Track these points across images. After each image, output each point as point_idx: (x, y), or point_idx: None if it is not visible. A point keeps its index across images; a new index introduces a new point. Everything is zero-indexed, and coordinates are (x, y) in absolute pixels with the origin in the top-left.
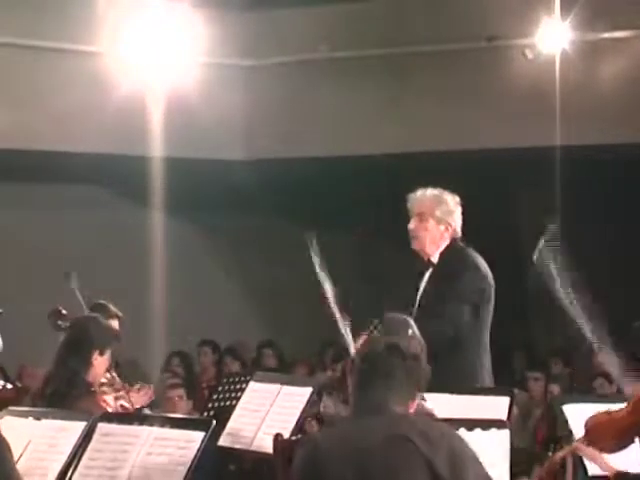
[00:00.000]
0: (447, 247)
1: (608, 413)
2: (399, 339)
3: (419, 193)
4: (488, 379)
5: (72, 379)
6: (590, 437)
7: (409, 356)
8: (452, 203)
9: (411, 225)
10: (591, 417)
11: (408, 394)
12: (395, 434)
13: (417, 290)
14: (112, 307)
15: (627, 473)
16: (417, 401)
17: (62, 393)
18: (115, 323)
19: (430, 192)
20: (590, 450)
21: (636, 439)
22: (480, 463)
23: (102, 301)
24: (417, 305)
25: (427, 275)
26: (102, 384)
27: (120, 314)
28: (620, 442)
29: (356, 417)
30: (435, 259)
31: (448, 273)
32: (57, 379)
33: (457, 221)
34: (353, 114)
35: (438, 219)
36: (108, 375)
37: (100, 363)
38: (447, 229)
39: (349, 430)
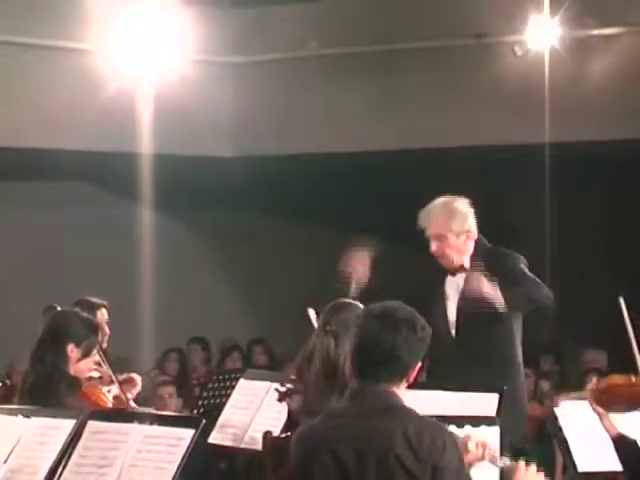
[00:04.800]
0: (475, 249)
1: (628, 378)
2: (393, 309)
3: (430, 211)
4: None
5: (52, 375)
6: (604, 396)
7: (403, 325)
8: (463, 208)
9: (433, 248)
10: (608, 378)
11: (404, 368)
12: (382, 451)
13: (441, 292)
14: (95, 299)
15: (626, 437)
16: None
17: (43, 389)
18: (103, 313)
19: (439, 207)
20: (599, 408)
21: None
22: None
23: (84, 297)
24: (456, 307)
25: (461, 279)
26: (91, 378)
27: (105, 302)
28: (631, 407)
29: (351, 402)
30: (467, 264)
31: (501, 260)
32: (35, 375)
33: (473, 223)
34: (342, 111)
35: (457, 233)
36: (95, 368)
37: (79, 356)
38: (468, 236)
39: (344, 421)
